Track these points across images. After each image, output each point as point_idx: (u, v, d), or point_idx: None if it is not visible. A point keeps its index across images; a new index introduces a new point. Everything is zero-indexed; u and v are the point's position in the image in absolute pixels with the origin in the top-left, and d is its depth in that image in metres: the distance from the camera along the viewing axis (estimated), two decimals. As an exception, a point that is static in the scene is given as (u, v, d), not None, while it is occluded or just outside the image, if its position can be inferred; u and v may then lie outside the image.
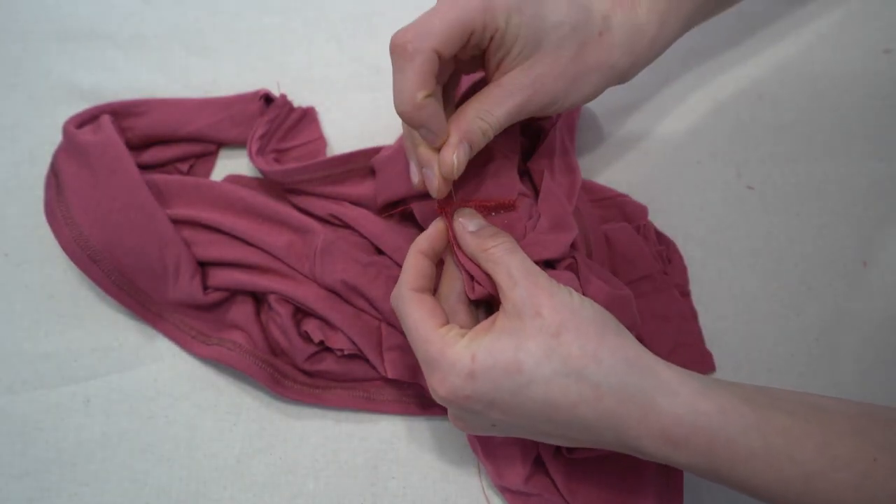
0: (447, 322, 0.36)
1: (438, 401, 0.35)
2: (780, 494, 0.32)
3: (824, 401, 0.34)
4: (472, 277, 0.37)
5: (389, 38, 0.55)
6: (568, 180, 0.44)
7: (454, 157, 0.36)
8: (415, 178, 0.39)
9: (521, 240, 0.39)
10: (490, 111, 0.37)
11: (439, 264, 0.39)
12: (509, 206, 0.40)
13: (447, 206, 0.38)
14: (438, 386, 0.34)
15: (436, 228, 0.38)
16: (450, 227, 0.38)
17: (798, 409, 0.33)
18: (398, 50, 0.34)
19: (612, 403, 0.33)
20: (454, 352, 0.34)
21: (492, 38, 0.36)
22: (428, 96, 0.34)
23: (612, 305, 0.37)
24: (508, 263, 0.35)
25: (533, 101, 0.37)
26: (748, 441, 0.32)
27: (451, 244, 0.38)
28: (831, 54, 0.54)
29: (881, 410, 0.34)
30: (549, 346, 0.33)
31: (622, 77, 0.40)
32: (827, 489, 0.31)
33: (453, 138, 0.36)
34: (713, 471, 0.33)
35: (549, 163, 0.44)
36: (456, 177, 0.37)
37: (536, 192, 0.44)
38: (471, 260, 0.37)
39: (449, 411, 0.36)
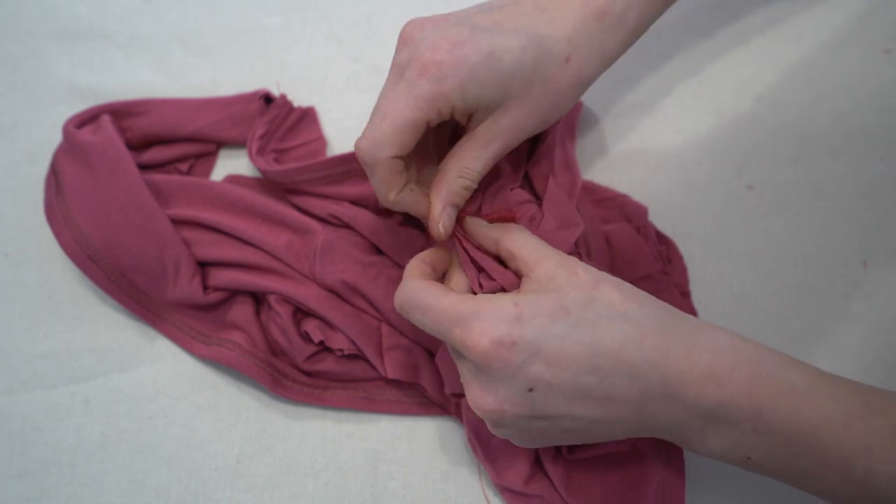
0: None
1: (472, 350, 0.33)
2: (822, 437, 0.32)
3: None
4: (477, 272, 0.37)
5: (389, 38, 0.55)
6: (568, 179, 0.44)
7: (440, 226, 0.38)
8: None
9: None
10: (469, 167, 0.38)
11: None
12: (510, 219, 0.40)
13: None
14: (480, 337, 0.33)
15: (436, 251, 0.39)
16: (457, 227, 0.39)
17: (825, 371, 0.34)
18: (361, 161, 0.37)
19: (656, 341, 0.33)
20: (493, 303, 0.34)
21: (453, 111, 0.36)
22: (399, 193, 0.37)
23: None
24: (534, 241, 0.36)
25: (511, 143, 0.38)
26: (789, 376, 0.33)
27: (458, 245, 0.38)
28: (831, 54, 0.54)
29: None
30: (591, 295, 0.34)
31: (597, 76, 0.40)
32: (866, 434, 0.31)
33: (436, 207, 0.38)
34: (755, 411, 0.32)
35: (550, 164, 0.44)
36: (446, 238, 0.38)
37: (535, 194, 0.44)
38: (483, 254, 0.37)
39: (474, 385, 0.35)
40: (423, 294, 0.35)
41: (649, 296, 0.35)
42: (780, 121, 0.52)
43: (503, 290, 0.36)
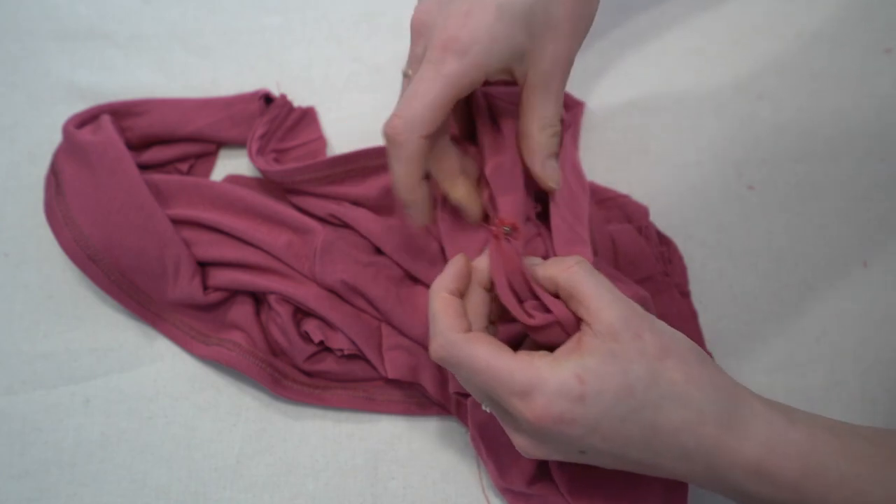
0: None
1: (532, 423, 0.32)
2: None
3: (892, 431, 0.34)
4: (520, 301, 0.35)
5: (389, 38, 0.55)
6: (579, 185, 0.44)
7: (550, 181, 0.39)
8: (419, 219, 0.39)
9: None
10: (545, 115, 0.38)
11: None
12: (514, 229, 0.37)
13: (498, 231, 0.37)
14: (543, 413, 0.31)
15: (457, 266, 0.36)
16: (497, 251, 0.36)
17: (875, 436, 0.33)
18: (391, 141, 0.36)
19: (712, 430, 0.32)
20: (556, 374, 0.31)
21: (486, 77, 0.36)
22: (420, 183, 0.37)
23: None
24: (596, 284, 0.34)
25: (567, 71, 0.38)
26: (838, 466, 0.32)
27: (496, 274, 0.35)
28: (831, 54, 0.54)
29: None
30: (655, 369, 0.32)
31: None
32: None
33: (536, 165, 0.38)
34: (802, 500, 0.32)
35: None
36: (559, 186, 0.40)
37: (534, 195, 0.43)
38: (537, 286, 0.35)
39: (523, 437, 0.34)
40: (471, 353, 0.33)
41: (713, 377, 0.33)
42: (780, 121, 0.52)
43: (558, 323, 0.34)
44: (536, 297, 0.35)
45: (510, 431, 0.35)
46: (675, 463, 0.33)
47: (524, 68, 0.37)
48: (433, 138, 0.37)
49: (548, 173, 0.39)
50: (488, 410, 0.36)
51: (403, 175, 0.37)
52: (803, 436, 0.32)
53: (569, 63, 0.38)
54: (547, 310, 0.34)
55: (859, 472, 0.32)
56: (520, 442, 0.34)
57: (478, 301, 0.36)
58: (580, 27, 0.38)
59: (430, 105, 0.35)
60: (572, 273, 0.34)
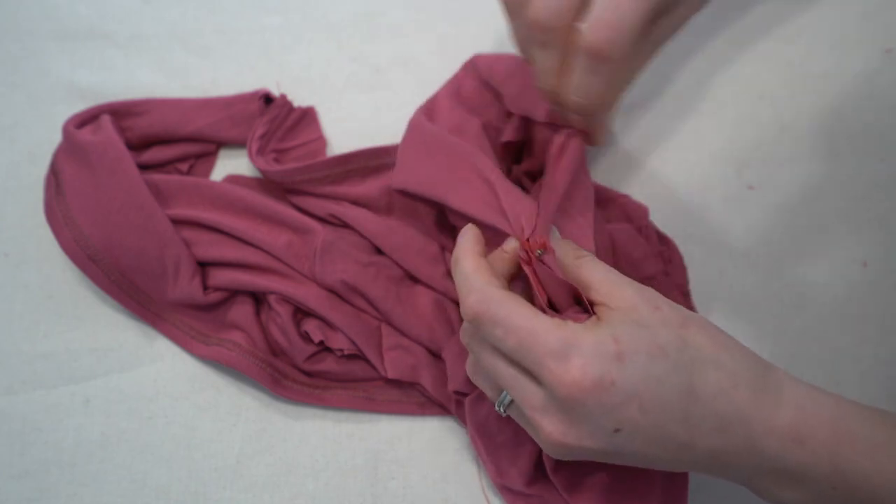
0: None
1: (568, 390, 0.30)
2: None
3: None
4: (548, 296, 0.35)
5: (389, 38, 0.55)
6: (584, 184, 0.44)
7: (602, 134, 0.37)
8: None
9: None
10: (624, 15, 0.31)
11: None
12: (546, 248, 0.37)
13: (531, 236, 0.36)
14: (581, 374, 0.30)
15: (473, 232, 0.36)
16: (532, 275, 0.35)
17: (889, 414, 0.33)
18: (594, 55, 0.32)
19: (746, 394, 0.32)
20: (592, 334, 0.30)
21: None
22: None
23: None
24: (605, 267, 0.34)
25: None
26: (870, 432, 0.32)
27: (538, 293, 0.35)
28: (831, 54, 0.54)
29: None
30: (681, 335, 0.32)
31: None
32: None
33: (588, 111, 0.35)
34: (836, 469, 0.31)
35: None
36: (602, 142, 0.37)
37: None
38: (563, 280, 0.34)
39: (553, 420, 0.32)
40: (508, 310, 0.32)
41: (733, 339, 0.33)
42: (780, 121, 0.52)
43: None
44: (578, 302, 0.35)
45: (537, 419, 0.32)
46: (711, 437, 0.31)
47: None
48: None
49: (599, 125, 0.37)
50: (502, 411, 0.34)
51: (605, 87, 0.33)
52: (833, 401, 0.33)
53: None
54: (587, 311, 0.34)
55: (892, 437, 0.32)
56: (549, 428, 0.32)
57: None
58: None
59: (642, 8, 0.31)
60: (581, 262, 0.34)
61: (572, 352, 0.30)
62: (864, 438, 0.32)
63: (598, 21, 0.31)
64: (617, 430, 0.31)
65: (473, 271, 0.33)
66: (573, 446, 0.32)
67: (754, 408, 0.32)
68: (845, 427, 0.32)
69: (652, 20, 0.32)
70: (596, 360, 0.30)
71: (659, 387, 0.31)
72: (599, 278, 0.33)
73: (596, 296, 0.33)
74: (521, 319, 0.31)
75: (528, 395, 0.32)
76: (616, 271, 0.34)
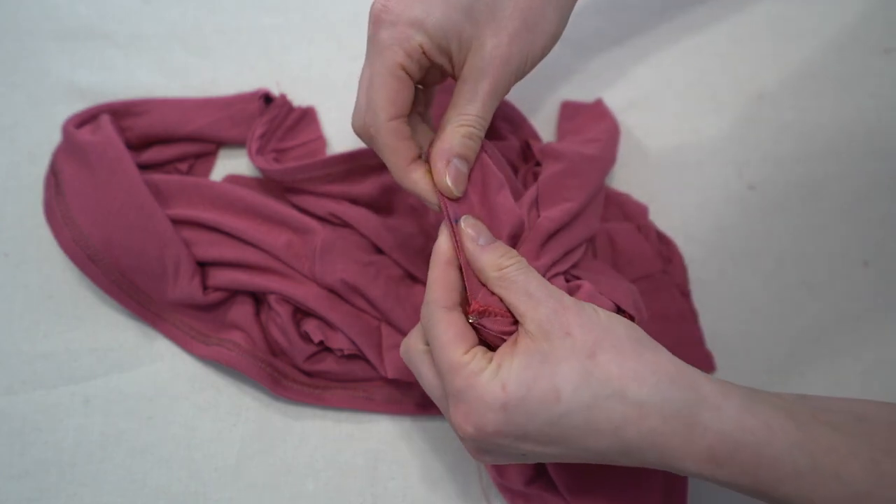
0: (476, 343, 0.34)
1: (461, 435, 0.33)
2: None
3: (865, 408, 0.33)
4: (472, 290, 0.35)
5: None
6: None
7: (447, 179, 0.35)
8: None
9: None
10: (465, 112, 0.36)
11: None
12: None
13: (453, 208, 0.36)
14: (463, 421, 0.32)
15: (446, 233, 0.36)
16: (457, 235, 0.35)
17: (841, 422, 0.32)
18: (362, 138, 0.36)
19: (656, 422, 0.31)
20: (482, 383, 0.31)
21: (423, 52, 0.35)
22: (413, 165, 0.36)
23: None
24: (526, 283, 0.33)
25: (502, 75, 0.36)
26: (794, 459, 0.31)
27: (457, 252, 0.35)
28: (831, 54, 0.54)
29: None
30: (586, 368, 0.31)
31: None
32: None
33: (439, 164, 0.35)
34: (757, 489, 0.31)
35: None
36: (459, 194, 0.36)
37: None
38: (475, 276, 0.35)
39: (468, 445, 0.34)
40: (435, 332, 0.34)
41: (654, 365, 0.32)
42: (780, 121, 0.52)
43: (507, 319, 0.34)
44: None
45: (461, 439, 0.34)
46: (622, 457, 0.32)
47: (462, 57, 0.36)
48: (403, 118, 0.35)
49: (450, 172, 0.35)
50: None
51: (395, 165, 0.36)
52: (760, 424, 0.31)
53: (505, 64, 0.35)
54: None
55: (816, 465, 0.31)
56: (468, 448, 0.34)
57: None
58: (526, 36, 0.36)
59: (381, 86, 0.34)
60: (503, 274, 0.34)
61: (462, 397, 0.32)
62: (787, 465, 0.31)
63: (353, 113, 0.36)
64: (523, 455, 0.33)
65: (430, 282, 0.35)
66: (494, 462, 0.35)
67: (665, 435, 0.31)
68: (770, 453, 0.31)
69: (400, 88, 0.35)
70: (479, 408, 0.31)
71: (550, 428, 0.31)
72: (516, 299, 0.33)
73: (516, 314, 0.33)
74: (440, 346, 0.33)
75: (449, 418, 0.34)
76: (538, 283, 0.33)
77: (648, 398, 0.31)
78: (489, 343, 0.35)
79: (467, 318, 0.34)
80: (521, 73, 0.37)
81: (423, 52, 0.35)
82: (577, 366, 0.31)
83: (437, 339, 0.34)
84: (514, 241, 0.38)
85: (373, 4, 0.35)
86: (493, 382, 0.31)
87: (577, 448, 0.32)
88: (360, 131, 0.36)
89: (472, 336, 0.34)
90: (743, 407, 0.31)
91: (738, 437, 0.31)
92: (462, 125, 0.36)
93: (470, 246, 0.35)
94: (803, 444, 0.31)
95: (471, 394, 0.32)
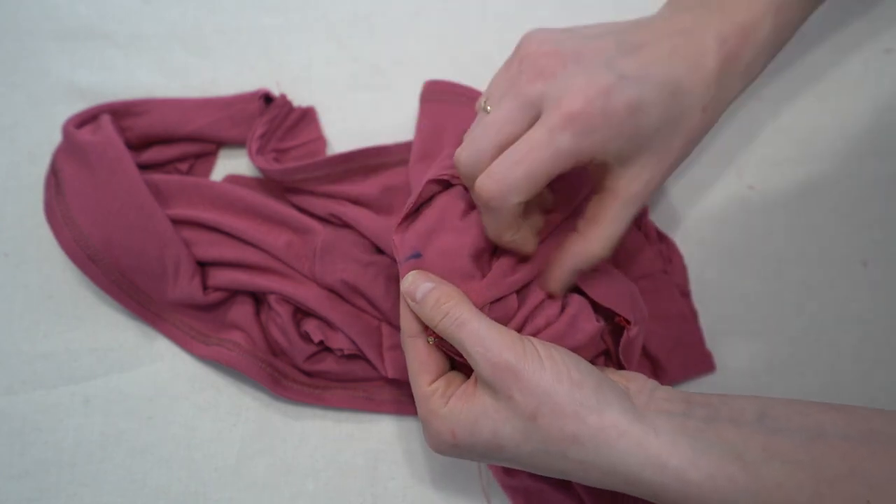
0: (441, 372, 0.36)
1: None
2: None
3: (827, 419, 0.33)
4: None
5: (389, 38, 0.54)
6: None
7: (556, 286, 0.38)
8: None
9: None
10: (606, 235, 0.36)
11: None
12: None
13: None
14: (428, 441, 0.36)
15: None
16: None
17: (794, 448, 0.32)
18: (483, 201, 0.35)
19: (598, 476, 0.33)
20: (437, 421, 0.35)
21: (591, 162, 0.35)
22: (517, 233, 0.36)
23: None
24: (461, 339, 0.34)
25: (647, 199, 0.37)
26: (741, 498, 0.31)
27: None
28: (831, 54, 0.54)
29: (886, 429, 0.33)
30: (526, 428, 0.33)
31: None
32: None
33: (566, 268, 0.37)
34: None
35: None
36: (560, 294, 0.38)
37: None
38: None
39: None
40: (408, 358, 0.37)
41: (596, 429, 0.32)
42: (780, 121, 0.52)
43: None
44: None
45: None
46: (583, 481, 0.34)
47: (618, 174, 0.36)
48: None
49: (560, 282, 0.37)
50: None
51: (496, 230, 0.36)
52: (704, 477, 0.31)
53: (652, 194, 0.37)
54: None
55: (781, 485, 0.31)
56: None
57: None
58: (676, 166, 0.37)
59: (533, 175, 0.33)
60: (438, 328, 0.35)
61: (425, 424, 0.36)
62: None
63: (491, 172, 0.34)
64: (490, 461, 0.36)
65: (402, 311, 0.37)
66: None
67: (609, 484, 0.33)
68: (715, 500, 0.31)
69: (543, 183, 0.34)
70: (436, 439, 0.35)
71: (501, 461, 0.35)
72: (462, 350, 0.35)
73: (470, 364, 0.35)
74: (411, 372, 0.37)
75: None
76: (476, 342, 0.34)
77: (587, 458, 0.32)
78: (455, 359, 0.37)
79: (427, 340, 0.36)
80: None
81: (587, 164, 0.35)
82: (518, 427, 0.33)
83: (409, 368, 0.37)
84: (479, 259, 0.38)
85: (568, 97, 0.33)
86: (444, 425, 0.35)
87: (532, 469, 0.35)
88: (490, 194, 0.34)
89: (435, 362, 0.36)
90: (688, 460, 0.32)
91: (682, 490, 0.32)
92: (605, 249, 0.37)
93: (410, 304, 0.36)
94: (749, 487, 0.31)
95: (429, 426, 0.35)
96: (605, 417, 0.33)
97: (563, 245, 0.38)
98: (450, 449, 0.35)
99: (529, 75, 0.34)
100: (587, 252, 0.37)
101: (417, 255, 0.37)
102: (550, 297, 0.38)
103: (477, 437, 0.34)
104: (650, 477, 0.32)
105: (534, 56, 0.35)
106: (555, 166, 0.33)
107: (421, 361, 0.36)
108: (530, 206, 0.38)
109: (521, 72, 0.35)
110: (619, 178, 0.36)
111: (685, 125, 0.35)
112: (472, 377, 0.35)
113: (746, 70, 0.37)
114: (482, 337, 0.34)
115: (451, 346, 0.36)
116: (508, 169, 0.33)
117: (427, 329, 0.36)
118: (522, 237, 0.37)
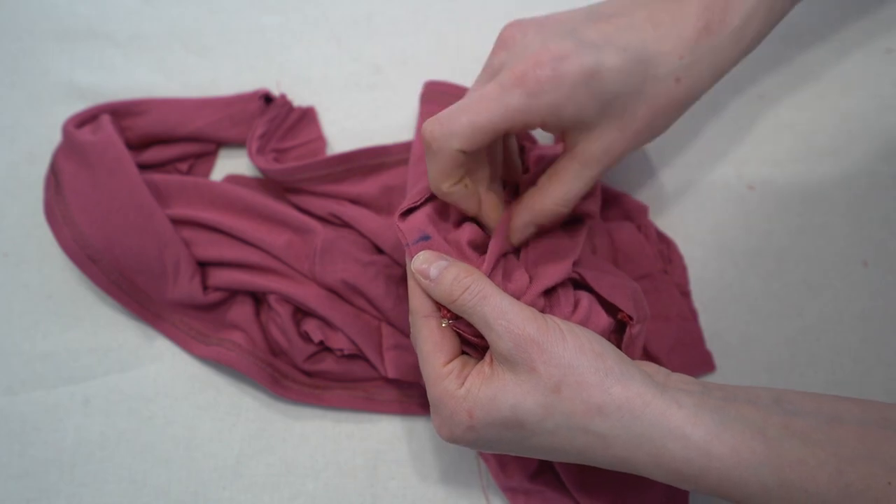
0: (456, 354, 0.35)
1: (440, 436, 0.35)
2: None
3: (842, 407, 0.33)
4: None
5: (389, 38, 0.55)
6: None
7: (515, 236, 0.38)
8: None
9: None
10: (566, 191, 0.37)
11: None
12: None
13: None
14: (440, 427, 0.35)
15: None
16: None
17: (813, 427, 0.32)
18: (425, 143, 0.35)
19: (621, 451, 0.32)
20: (453, 403, 0.34)
21: (542, 124, 0.35)
22: (455, 184, 0.36)
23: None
24: (483, 313, 0.33)
25: (610, 165, 0.37)
26: (761, 478, 0.31)
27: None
28: (831, 54, 0.54)
29: None
30: (550, 402, 0.32)
31: (706, 91, 0.38)
32: None
33: (521, 220, 0.37)
34: (728, 499, 0.32)
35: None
36: (517, 245, 0.38)
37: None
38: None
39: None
40: (419, 340, 0.36)
41: (620, 401, 0.32)
42: (780, 121, 0.52)
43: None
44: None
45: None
46: (592, 466, 0.34)
47: (577, 138, 0.36)
48: (470, 154, 0.35)
49: (521, 233, 0.38)
50: None
51: (434, 177, 0.36)
52: (727, 450, 0.31)
53: (616, 160, 0.37)
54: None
55: (783, 481, 0.31)
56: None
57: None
58: (645, 135, 0.37)
59: (477, 125, 0.34)
60: (458, 306, 0.34)
61: (437, 409, 0.35)
62: (755, 483, 0.31)
63: (437, 116, 0.35)
64: (502, 446, 0.35)
65: (411, 291, 0.36)
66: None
67: (630, 461, 0.33)
68: (737, 474, 0.31)
69: (487, 135, 0.34)
70: (450, 423, 0.34)
71: (517, 444, 0.34)
72: (481, 328, 0.34)
73: (488, 342, 0.34)
74: (423, 354, 0.35)
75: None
76: (494, 311, 0.33)
77: (610, 431, 0.32)
78: (469, 342, 0.36)
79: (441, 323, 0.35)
80: (624, 157, 0.38)
81: (540, 127, 0.35)
82: (540, 400, 0.32)
83: (420, 349, 0.35)
84: (483, 246, 0.38)
85: (521, 59, 0.34)
86: (461, 406, 0.33)
87: (547, 455, 0.34)
88: (431, 136, 0.35)
89: (449, 344, 0.35)
90: (712, 433, 0.32)
91: (705, 463, 0.31)
92: (558, 202, 0.37)
93: (423, 284, 0.35)
94: (771, 461, 0.31)
95: (443, 409, 0.34)
96: (630, 388, 0.32)
97: (521, 199, 0.38)
98: (464, 432, 0.34)
99: (495, 49, 0.36)
100: (542, 207, 0.37)
101: (427, 238, 0.36)
102: (564, 293, 0.38)
103: (495, 414, 0.33)
104: (673, 449, 0.32)
105: (503, 33, 0.36)
106: (503, 120, 0.34)
107: (434, 342, 0.35)
108: (483, 169, 0.38)
109: (492, 50, 0.37)
110: (578, 142, 0.36)
111: (652, 93, 0.35)
112: (487, 357, 0.34)
113: (735, 37, 0.36)
114: (504, 310, 0.33)
115: (465, 326, 0.35)
116: (454, 114, 0.34)
117: (441, 309, 0.35)
118: (462, 193, 0.36)
